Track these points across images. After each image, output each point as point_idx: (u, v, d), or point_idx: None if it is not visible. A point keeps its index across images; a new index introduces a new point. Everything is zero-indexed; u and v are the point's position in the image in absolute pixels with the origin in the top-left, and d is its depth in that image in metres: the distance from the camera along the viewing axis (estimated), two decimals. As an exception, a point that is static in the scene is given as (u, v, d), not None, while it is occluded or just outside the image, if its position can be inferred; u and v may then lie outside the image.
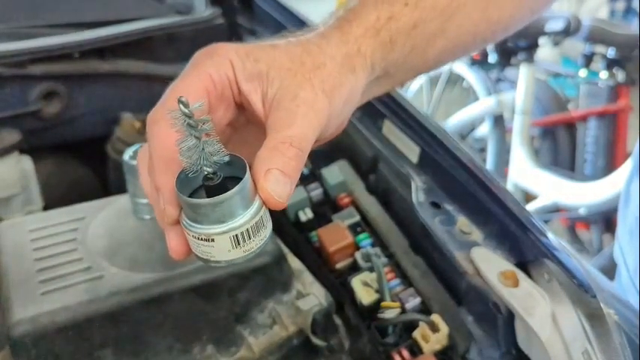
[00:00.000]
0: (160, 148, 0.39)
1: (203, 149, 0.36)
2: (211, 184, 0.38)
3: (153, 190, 0.40)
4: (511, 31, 0.54)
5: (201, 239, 0.38)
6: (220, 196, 0.37)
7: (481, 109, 2.52)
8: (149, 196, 0.42)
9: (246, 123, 0.46)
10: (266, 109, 0.42)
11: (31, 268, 0.63)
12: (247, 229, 0.38)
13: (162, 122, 0.39)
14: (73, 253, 0.65)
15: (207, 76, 0.41)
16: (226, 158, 0.38)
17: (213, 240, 0.38)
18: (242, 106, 0.44)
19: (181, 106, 0.35)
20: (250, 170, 0.38)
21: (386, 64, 0.46)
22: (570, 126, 2.40)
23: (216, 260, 0.39)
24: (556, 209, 2.21)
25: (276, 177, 0.38)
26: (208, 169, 0.37)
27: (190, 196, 0.38)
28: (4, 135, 0.85)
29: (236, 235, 0.38)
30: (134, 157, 0.66)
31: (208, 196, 0.37)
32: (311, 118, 0.40)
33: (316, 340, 0.66)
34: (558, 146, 2.41)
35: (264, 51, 0.43)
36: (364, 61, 0.44)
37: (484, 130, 2.62)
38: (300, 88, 0.41)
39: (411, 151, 0.79)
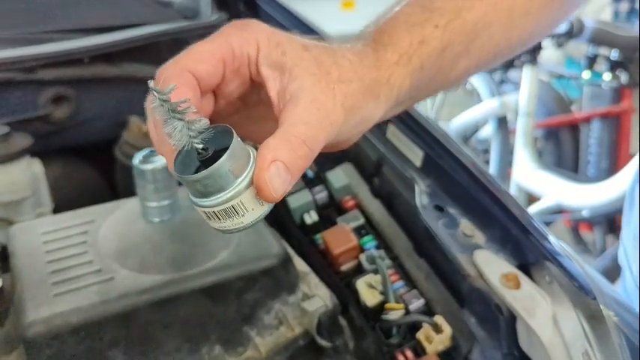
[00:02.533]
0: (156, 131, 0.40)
1: (185, 128, 0.36)
2: (204, 159, 0.38)
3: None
4: (529, 46, 0.54)
5: (190, 197, 0.39)
6: (194, 175, 0.37)
7: (484, 111, 2.52)
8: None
9: (259, 102, 0.45)
10: (280, 101, 0.41)
11: (43, 270, 0.64)
12: (214, 212, 0.38)
13: (172, 80, 0.39)
14: (84, 256, 0.67)
15: (228, 47, 0.41)
16: (213, 131, 0.38)
17: (195, 209, 0.39)
18: (258, 86, 0.44)
19: (155, 92, 0.35)
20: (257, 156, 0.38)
21: (411, 90, 0.46)
22: (573, 127, 2.41)
23: (209, 225, 0.40)
24: (559, 210, 2.22)
25: (279, 170, 0.37)
26: (198, 146, 0.37)
27: (195, 172, 0.39)
28: (16, 139, 0.86)
29: (205, 212, 0.39)
30: (144, 161, 0.68)
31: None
32: (326, 126, 0.40)
33: (321, 341, 0.67)
34: (562, 148, 2.41)
35: (294, 47, 0.42)
36: (390, 92, 0.44)
37: (487, 131, 2.62)
38: (321, 94, 0.41)
39: (415, 155, 0.80)
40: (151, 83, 0.36)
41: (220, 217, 0.38)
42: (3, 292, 0.61)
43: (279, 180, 0.37)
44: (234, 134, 0.37)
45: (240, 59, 0.41)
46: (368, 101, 0.43)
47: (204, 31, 1.09)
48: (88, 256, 0.67)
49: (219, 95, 0.43)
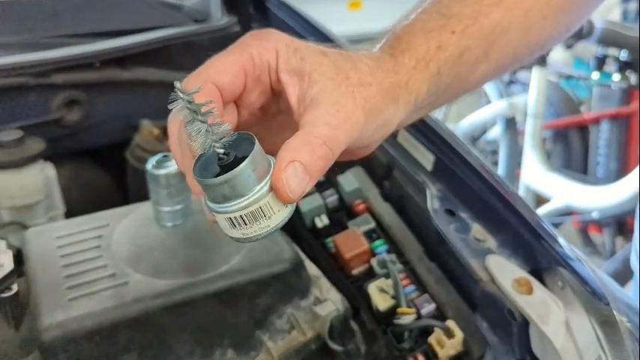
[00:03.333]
0: (173, 125, 0.41)
1: (208, 131, 0.37)
2: (224, 164, 0.38)
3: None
4: (547, 50, 0.54)
5: (209, 206, 0.39)
6: (217, 178, 0.37)
7: (493, 112, 2.52)
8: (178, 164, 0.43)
9: (278, 112, 0.46)
10: (300, 106, 0.42)
11: (58, 274, 0.65)
12: (241, 216, 0.38)
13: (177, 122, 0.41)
14: (98, 260, 0.67)
15: (248, 56, 0.41)
16: (235, 136, 0.38)
17: (215, 217, 0.39)
18: (278, 94, 0.44)
19: (180, 93, 0.36)
20: (276, 157, 0.38)
21: (429, 96, 0.46)
22: (583, 128, 2.39)
23: (228, 235, 0.40)
24: (568, 212, 2.21)
25: (296, 171, 0.38)
26: (220, 150, 0.38)
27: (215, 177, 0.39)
28: (30, 143, 0.87)
29: (230, 219, 0.38)
30: (157, 166, 0.68)
31: None
32: (347, 128, 0.40)
33: (333, 345, 0.68)
34: (571, 149, 2.40)
35: (312, 53, 0.43)
36: (409, 96, 0.45)
37: (496, 132, 2.62)
38: (342, 96, 0.41)
39: (426, 159, 0.80)
40: (177, 83, 0.36)
41: (247, 222, 0.38)
42: (18, 296, 0.62)
43: (296, 180, 0.37)
44: (256, 140, 0.38)
45: (260, 67, 0.42)
46: (387, 104, 0.43)
47: (214, 35, 1.10)
48: (102, 260, 0.67)
49: (241, 106, 0.43)
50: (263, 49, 0.42)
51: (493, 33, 0.47)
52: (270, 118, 0.46)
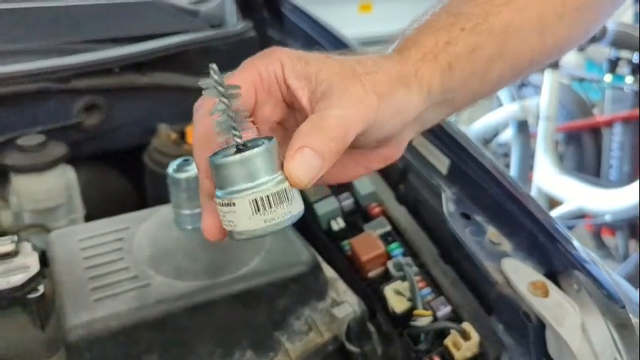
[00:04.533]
0: (199, 128, 0.42)
1: (230, 116, 0.38)
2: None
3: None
4: (566, 52, 0.54)
5: (225, 205, 0.38)
6: (238, 155, 0.37)
7: (505, 115, 2.51)
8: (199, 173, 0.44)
9: (295, 125, 0.46)
10: (312, 104, 0.42)
11: (82, 276, 0.66)
12: (268, 196, 0.37)
13: (203, 109, 0.42)
14: (120, 262, 0.69)
15: (255, 72, 0.43)
16: (254, 139, 0.39)
17: (234, 204, 0.37)
18: (292, 106, 0.45)
19: (212, 72, 0.38)
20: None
21: (444, 90, 0.46)
22: (595, 131, 2.39)
23: (239, 231, 0.38)
24: (581, 215, 2.20)
25: (305, 156, 0.38)
26: (238, 140, 0.38)
27: None
28: (53, 147, 0.89)
29: (255, 200, 0.37)
30: (178, 170, 0.70)
31: None
32: (361, 109, 0.40)
33: (350, 347, 0.69)
34: (583, 151, 2.40)
35: (316, 57, 0.44)
36: (420, 85, 0.44)
37: (508, 135, 2.61)
38: (350, 85, 0.41)
39: (441, 162, 0.81)
40: (212, 65, 0.38)
41: (273, 203, 0.37)
42: (44, 297, 0.63)
43: (304, 167, 0.38)
44: (274, 138, 0.39)
45: (268, 80, 0.43)
46: (398, 89, 0.43)
47: (230, 40, 1.11)
48: (124, 262, 0.69)
49: (259, 122, 0.44)
50: (269, 62, 0.43)
51: (505, 32, 0.47)
52: (290, 131, 0.46)
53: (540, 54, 0.50)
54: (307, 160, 0.38)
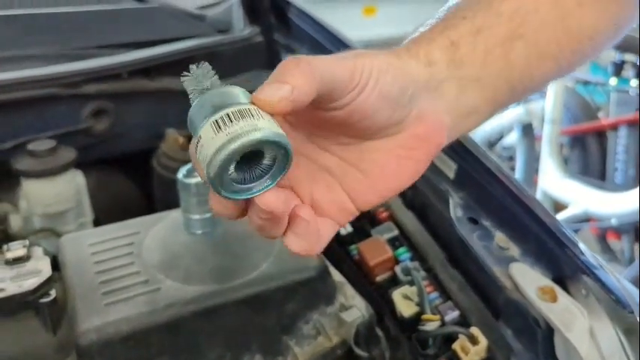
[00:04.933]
0: None
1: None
2: None
3: None
4: (599, 45, 0.51)
5: (197, 144, 0.36)
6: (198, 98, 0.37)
7: (509, 118, 2.51)
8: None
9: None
10: None
11: (93, 280, 0.67)
12: (228, 114, 0.34)
13: None
14: (130, 267, 0.69)
15: None
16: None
17: (200, 137, 0.35)
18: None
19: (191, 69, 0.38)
20: None
21: (454, 63, 0.44)
22: (600, 134, 2.38)
23: (208, 160, 0.34)
24: (586, 218, 2.20)
25: (272, 85, 0.36)
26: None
27: None
28: (63, 152, 0.90)
29: (216, 120, 0.34)
30: (187, 175, 0.70)
31: None
32: (334, 56, 0.38)
33: (359, 351, 0.69)
34: (588, 155, 2.39)
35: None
36: (417, 56, 0.43)
37: (512, 138, 2.61)
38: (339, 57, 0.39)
39: (448, 167, 0.81)
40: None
41: (233, 118, 0.34)
42: (56, 301, 0.64)
43: (269, 90, 0.35)
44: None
45: None
46: (386, 54, 0.41)
47: (237, 45, 1.12)
48: (134, 267, 0.69)
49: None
50: None
51: (517, 13, 0.45)
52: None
53: (568, 40, 0.48)
54: (274, 86, 0.36)
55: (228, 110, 0.34)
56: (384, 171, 0.42)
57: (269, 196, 0.36)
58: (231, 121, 0.34)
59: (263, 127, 0.34)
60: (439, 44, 0.44)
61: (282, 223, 0.39)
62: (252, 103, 0.36)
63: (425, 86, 0.43)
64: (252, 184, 0.36)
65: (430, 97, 0.43)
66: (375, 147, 0.42)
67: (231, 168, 0.35)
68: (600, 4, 0.49)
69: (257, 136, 0.33)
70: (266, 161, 0.36)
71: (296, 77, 0.35)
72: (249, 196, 0.36)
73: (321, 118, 0.40)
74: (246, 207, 0.39)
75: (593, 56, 0.52)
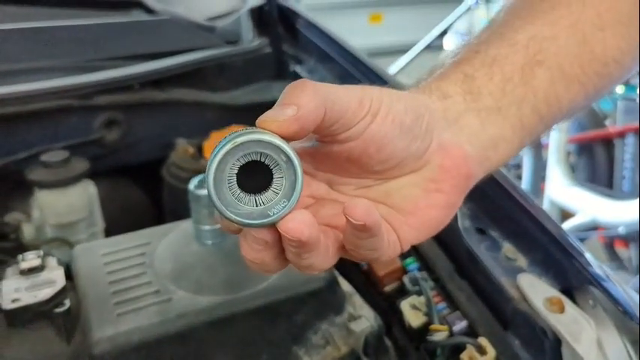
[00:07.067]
0: None
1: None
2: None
3: None
4: (626, 67, 0.50)
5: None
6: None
7: (516, 126, 2.51)
8: None
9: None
10: None
11: (105, 290, 0.68)
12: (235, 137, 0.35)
13: None
14: (142, 277, 0.70)
15: None
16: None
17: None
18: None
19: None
20: None
21: (471, 93, 0.44)
22: (607, 142, 2.38)
23: (207, 168, 0.36)
24: (594, 227, 2.19)
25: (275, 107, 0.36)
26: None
27: None
28: (75, 163, 0.91)
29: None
30: (199, 186, 0.71)
31: None
32: (341, 86, 0.38)
33: (368, 361, 0.70)
34: (595, 163, 2.39)
35: None
36: (430, 91, 0.44)
37: (519, 146, 2.61)
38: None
39: (456, 178, 0.82)
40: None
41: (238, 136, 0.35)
42: (70, 311, 0.65)
43: (272, 112, 0.36)
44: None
45: None
46: (397, 92, 0.42)
47: (246, 56, 1.13)
48: (146, 277, 0.70)
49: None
50: None
51: (533, 40, 0.46)
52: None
53: (591, 63, 0.48)
54: (278, 108, 0.36)
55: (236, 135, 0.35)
56: (417, 205, 0.42)
57: (291, 221, 0.36)
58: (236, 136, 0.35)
59: (261, 132, 0.35)
60: (452, 79, 0.44)
61: (316, 249, 0.38)
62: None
63: (442, 117, 0.43)
64: (268, 205, 0.36)
65: (450, 129, 0.43)
66: (401, 184, 0.42)
67: (232, 173, 0.35)
68: (623, 28, 0.49)
69: (252, 137, 0.34)
70: (275, 184, 0.36)
71: (300, 97, 0.36)
72: (267, 221, 0.36)
73: (339, 156, 0.40)
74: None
75: (620, 80, 0.51)
